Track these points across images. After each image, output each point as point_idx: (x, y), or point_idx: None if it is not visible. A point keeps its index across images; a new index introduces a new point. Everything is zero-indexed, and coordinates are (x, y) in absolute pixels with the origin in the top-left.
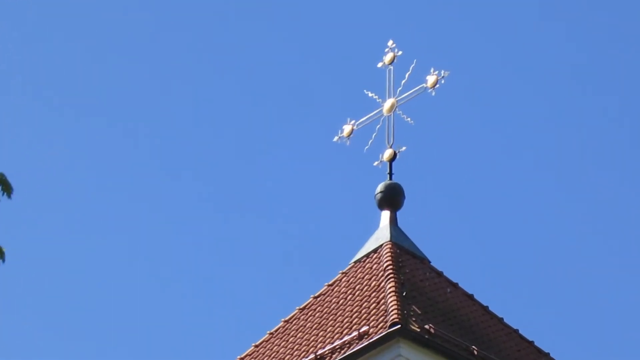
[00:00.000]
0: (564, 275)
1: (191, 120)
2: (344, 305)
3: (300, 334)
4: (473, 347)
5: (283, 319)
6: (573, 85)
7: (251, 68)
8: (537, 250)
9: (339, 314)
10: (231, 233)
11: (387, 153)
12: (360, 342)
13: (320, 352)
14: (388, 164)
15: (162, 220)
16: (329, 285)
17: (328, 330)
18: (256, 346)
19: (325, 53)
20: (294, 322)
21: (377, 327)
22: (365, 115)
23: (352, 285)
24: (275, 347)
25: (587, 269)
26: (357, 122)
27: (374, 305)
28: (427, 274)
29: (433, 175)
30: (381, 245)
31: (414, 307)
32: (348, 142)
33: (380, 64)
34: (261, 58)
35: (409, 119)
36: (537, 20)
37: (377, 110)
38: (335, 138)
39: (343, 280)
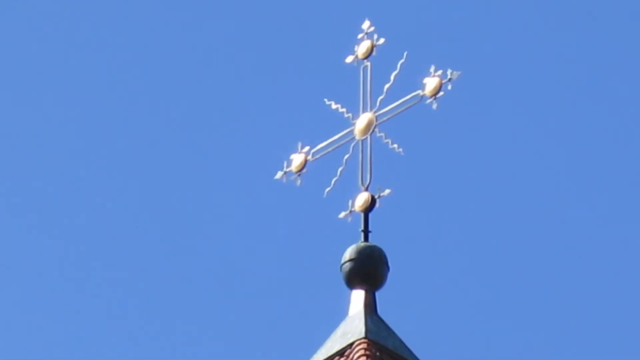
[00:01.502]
0: None
1: None
2: None
3: None
4: None
5: None
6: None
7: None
8: None
9: None
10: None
11: (361, 199)
12: None
13: None
14: (362, 215)
15: None
16: None
17: None
18: None
19: (263, 41)
20: None
21: None
22: (327, 139)
23: None
24: None
25: None
26: (313, 150)
27: None
28: None
29: (433, 235)
30: (351, 344)
31: None
32: (299, 181)
33: (350, 59)
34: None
35: (395, 145)
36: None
37: (346, 132)
38: (279, 174)
39: None
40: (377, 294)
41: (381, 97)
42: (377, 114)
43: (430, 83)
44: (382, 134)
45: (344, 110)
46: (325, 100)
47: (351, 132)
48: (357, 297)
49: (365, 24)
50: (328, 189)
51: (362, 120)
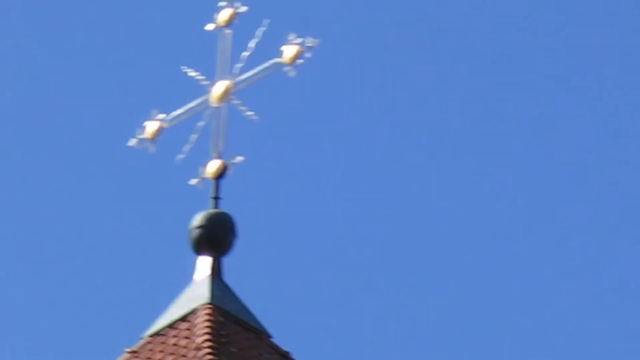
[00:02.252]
0: None
1: None
2: None
3: None
4: None
5: None
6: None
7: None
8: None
9: None
10: None
11: (213, 165)
12: None
13: None
14: (213, 182)
15: None
16: None
17: None
18: None
19: (122, 6)
20: None
21: None
22: (182, 107)
23: None
24: None
25: None
26: (168, 117)
27: None
28: (266, 355)
29: (282, 202)
30: (195, 309)
31: None
32: (152, 148)
33: (210, 26)
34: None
35: (250, 112)
36: None
37: (202, 99)
38: (132, 141)
39: None
40: (223, 260)
41: (239, 65)
42: (234, 81)
43: (289, 51)
44: (239, 102)
45: (201, 77)
46: (182, 67)
47: (207, 99)
48: (204, 263)
49: None
50: (181, 155)
51: (219, 87)
